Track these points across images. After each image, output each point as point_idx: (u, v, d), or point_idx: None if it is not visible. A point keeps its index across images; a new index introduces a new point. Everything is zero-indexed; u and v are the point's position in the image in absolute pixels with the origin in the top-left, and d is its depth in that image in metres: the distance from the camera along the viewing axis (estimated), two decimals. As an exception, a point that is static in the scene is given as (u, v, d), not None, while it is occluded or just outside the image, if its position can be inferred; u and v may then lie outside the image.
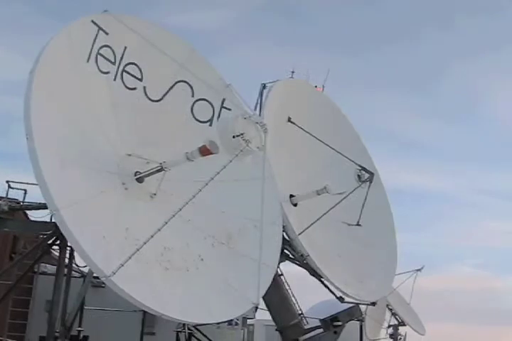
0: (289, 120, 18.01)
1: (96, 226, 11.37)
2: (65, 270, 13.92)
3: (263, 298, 14.75)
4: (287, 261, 17.10)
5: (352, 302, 17.64)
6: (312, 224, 16.48)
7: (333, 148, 17.79)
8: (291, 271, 17.61)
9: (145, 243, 10.96)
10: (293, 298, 17.63)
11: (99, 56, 13.20)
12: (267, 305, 17.16)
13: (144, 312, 14.39)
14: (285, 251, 16.51)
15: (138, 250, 10.91)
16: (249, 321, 22.49)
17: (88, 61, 12.98)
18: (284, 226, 15.81)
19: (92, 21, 13.10)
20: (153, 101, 14.23)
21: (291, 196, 17.51)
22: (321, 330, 17.24)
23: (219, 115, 14.89)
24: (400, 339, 29.84)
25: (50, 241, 13.82)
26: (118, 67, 13.62)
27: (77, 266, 14.67)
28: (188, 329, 18.33)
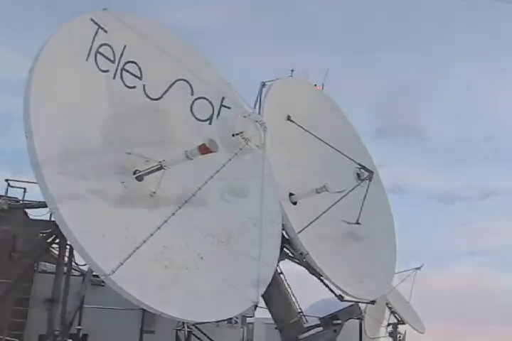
0: (289, 118, 18.01)
1: (95, 225, 11.37)
2: (65, 268, 13.93)
3: (262, 296, 14.75)
4: (287, 260, 17.11)
5: (351, 301, 17.65)
6: (312, 222, 16.48)
7: (332, 147, 17.79)
8: (290, 269, 17.62)
9: (144, 241, 10.97)
10: (292, 297, 17.62)
11: (98, 54, 13.19)
12: (267, 304, 17.16)
13: (144, 310, 14.38)
14: (284, 249, 16.52)
15: (137, 248, 10.91)
16: (248, 319, 22.48)
17: (87, 59, 12.97)
18: (283, 225, 15.81)
19: (91, 19, 13.10)
20: (152, 99, 14.22)
21: (291, 194, 17.51)
22: (321, 329, 17.24)
23: (218, 113, 14.88)
24: (400, 337, 29.85)
25: (49, 240, 13.83)
26: (117, 66, 13.61)
27: (76, 264, 14.68)
28: (188, 327, 18.32)
